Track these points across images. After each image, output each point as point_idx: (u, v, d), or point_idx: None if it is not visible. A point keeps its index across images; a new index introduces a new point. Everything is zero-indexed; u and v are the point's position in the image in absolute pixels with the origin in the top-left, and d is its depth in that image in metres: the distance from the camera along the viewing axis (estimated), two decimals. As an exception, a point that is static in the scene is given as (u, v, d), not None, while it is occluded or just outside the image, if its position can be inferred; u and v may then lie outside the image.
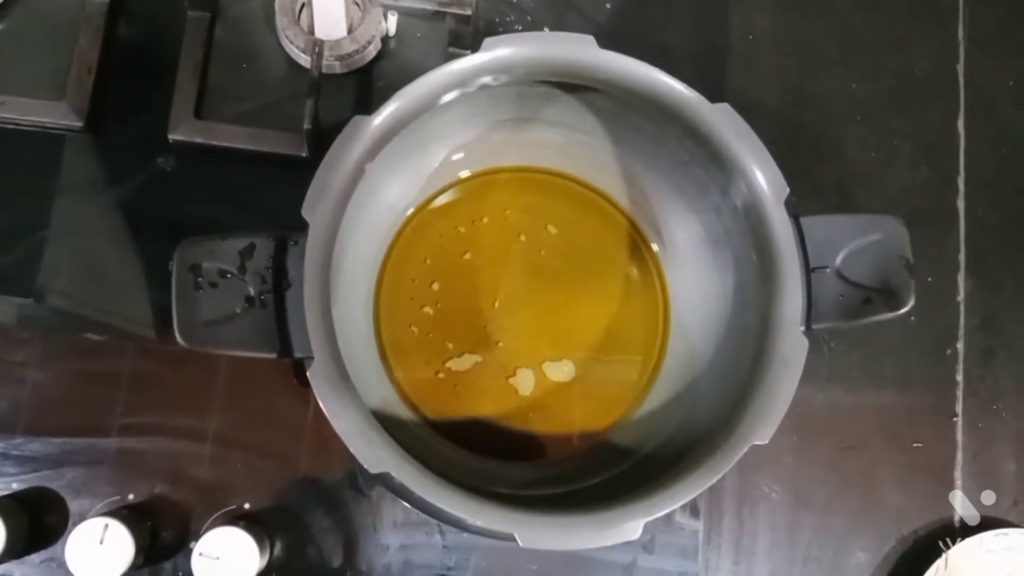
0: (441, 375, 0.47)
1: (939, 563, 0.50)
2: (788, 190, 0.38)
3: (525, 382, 0.48)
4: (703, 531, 0.51)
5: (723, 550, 0.51)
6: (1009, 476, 0.53)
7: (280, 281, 0.35)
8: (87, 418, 0.47)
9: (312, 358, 0.34)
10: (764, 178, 0.38)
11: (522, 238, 0.49)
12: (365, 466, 0.34)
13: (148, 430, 0.48)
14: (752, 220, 0.39)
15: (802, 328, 0.37)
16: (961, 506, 0.53)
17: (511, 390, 0.47)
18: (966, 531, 0.52)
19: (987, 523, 0.52)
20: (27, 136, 0.50)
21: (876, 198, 0.57)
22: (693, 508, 0.51)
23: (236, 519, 0.45)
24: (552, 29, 0.56)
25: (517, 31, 0.55)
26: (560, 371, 0.48)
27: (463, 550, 0.48)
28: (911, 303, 0.39)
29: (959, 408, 0.54)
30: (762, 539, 0.52)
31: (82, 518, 0.45)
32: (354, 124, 0.36)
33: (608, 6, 0.56)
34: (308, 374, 0.34)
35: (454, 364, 0.47)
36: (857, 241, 0.39)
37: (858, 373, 0.54)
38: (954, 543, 0.51)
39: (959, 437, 0.54)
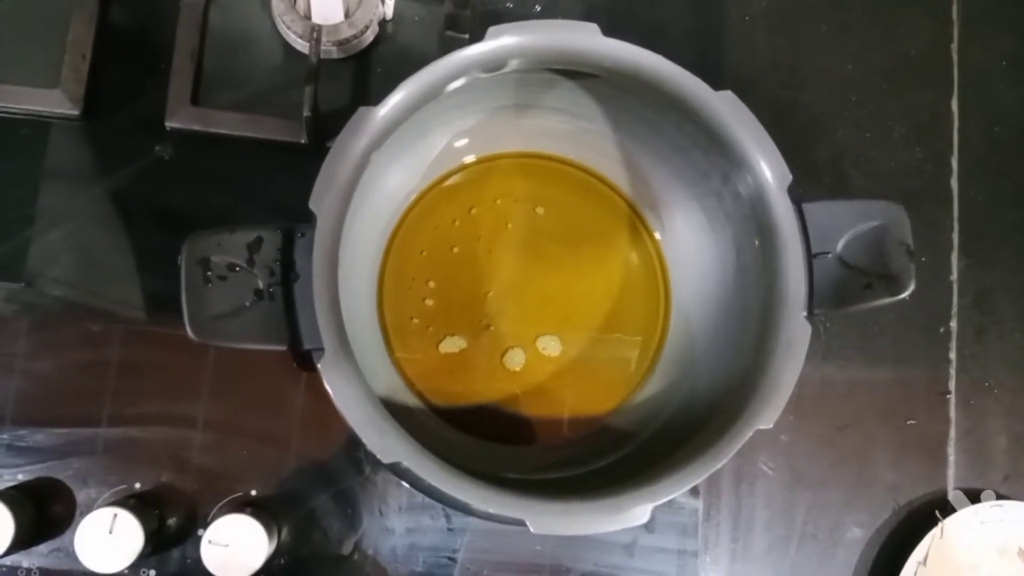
0: (442, 362, 0.47)
1: (935, 532, 0.52)
2: (791, 177, 0.39)
3: (521, 361, 0.48)
4: (702, 510, 0.52)
5: (722, 528, 0.52)
6: (1001, 452, 0.55)
7: (288, 273, 0.35)
8: (91, 408, 0.48)
9: (322, 350, 0.34)
10: (767, 166, 0.39)
11: (509, 226, 0.49)
12: (377, 456, 0.34)
13: (152, 419, 0.48)
14: (755, 207, 0.40)
15: (805, 313, 0.38)
16: (955, 481, 0.54)
17: (511, 374, 0.48)
18: (958, 506, 0.53)
19: (978, 497, 0.53)
20: (21, 124, 0.49)
21: (870, 179, 0.57)
22: (692, 488, 0.52)
23: (243, 506, 0.46)
24: (544, 7, 0.55)
25: (508, 8, 0.55)
26: (549, 345, 0.48)
27: (468, 533, 0.49)
28: (911, 288, 0.39)
29: (952, 385, 0.55)
30: (760, 516, 0.53)
31: (89, 508, 0.45)
32: (359, 115, 0.36)
33: (601, -16, 0.56)
34: (319, 366, 0.34)
35: (453, 347, 0.47)
36: (858, 227, 0.39)
37: (853, 352, 0.55)
38: (948, 515, 0.52)
39: (952, 414, 0.55)
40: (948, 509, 0.53)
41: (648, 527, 0.51)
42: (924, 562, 0.51)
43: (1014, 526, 0.53)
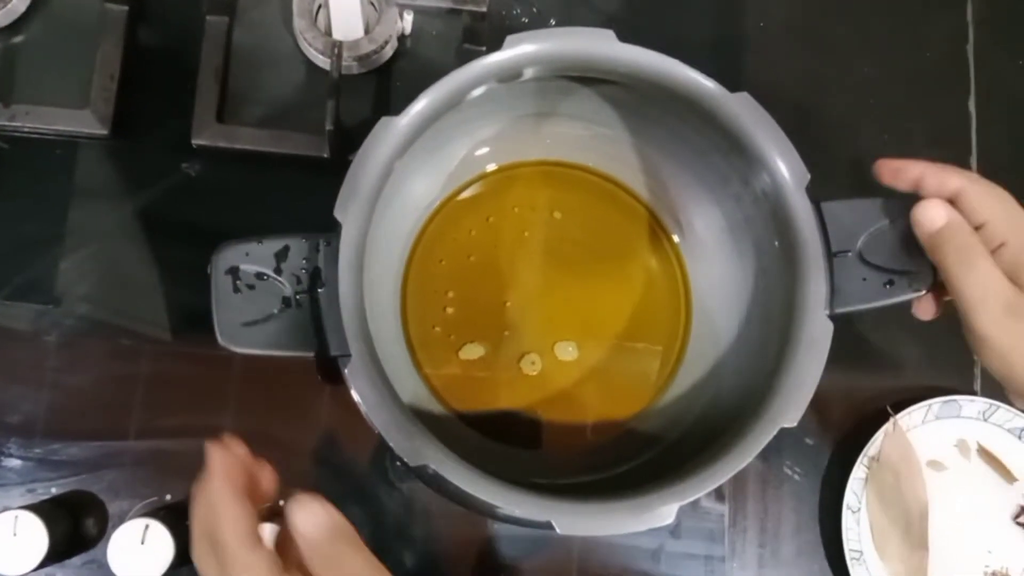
0: (464, 368, 0.48)
1: (887, 427, 0.51)
2: (809, 176, 0.39)
3: (538, 366, 0.48)
4: (728, 515, 0.52)
5: (748, 533, 0.52)
6: None
7: (315, 281, 0.36)
8: (121, 421, 0.48)
9: (348, 356, 0.35)
10: (785, 165, 0.39)
11: (526, 234, 0.49)
12: (405, 459, 0.34)
13: (181, 431, 0.48)
14: (774, 207, 0.40)
15: (826, 312, 0.38)
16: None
17: (531, 379, 0.48)
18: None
19: None
20: (52, 144, 0.50)
21: (890, 180, 0.57)
22: (718, 492, 0.52)
23: (272, 515, 0.46)
24: (560, 22, 0.56)
25: (524, 23, 0.56)
26: (566, 351, 0.48)
27: (496, 540, 0.49)
28: (932, 283, 0.39)
29: (978, 386, 0.55)
30: (787, 521, 0.52)
31: (121, 520, 0.45)
32: (382, 125, 0.37)
33: (617, -4, 0.57)
34: (346, 372, 0.35)
35: (472, 354, 0.48)
36: (877, 224, 0.39)
37: (878, 354, 0.55)
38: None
39: (979, 415, 0.54)
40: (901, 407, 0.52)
41: (674, 532, 0.51)
42: (878, 458, 0.51)
43: (970, 422, 0.53)
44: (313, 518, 0.31)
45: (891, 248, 0.39)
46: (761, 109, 0.39)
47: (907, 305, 0.41)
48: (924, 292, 0.39)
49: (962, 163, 0.58)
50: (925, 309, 0.40)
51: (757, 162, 0.39)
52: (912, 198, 0.39)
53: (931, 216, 0.37)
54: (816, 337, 0.38)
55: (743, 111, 0.39)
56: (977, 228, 0.37)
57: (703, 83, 0.39)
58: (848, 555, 0.50)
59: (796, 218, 0.39)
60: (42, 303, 0.49)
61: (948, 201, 0.38)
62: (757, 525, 0.52)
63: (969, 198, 0.37)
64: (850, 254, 0.39)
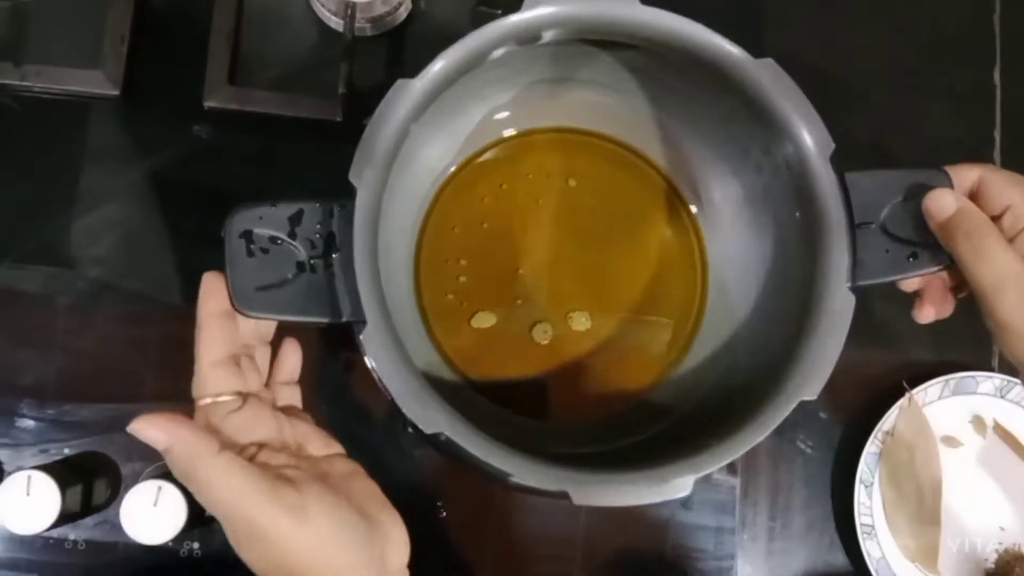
0: (476, 337, 0.47)
1: (902, 402, 0.51)
2: (833, 146, 0.38)
3: (549, 335, 0.48)
4: (740, 487, 0.52)
5: (759, 506, 0.52)
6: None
7: (329, 246, 0.35)
8: (133, 383, 0.48)
9: (363, 322, 0.34)
10: (809, 134, 0.38)
11: (539, 201, 0.49)
12: (420, 426, 0.34)
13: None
14: (796, 178, 0.39)
15: (848, 284, 0.37)
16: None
17: (544, 349, 0.48)
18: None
19: None
20: (63, 105, 0.50)
21: (911, 151, 0.56)
22: (730, 465, 0.51)
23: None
24: (578, -14, 0.55)
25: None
26: (579, 320, 0.48)
27: (504, 508, 0.49)
28: (955, 258, 0.38)
29: (995, 363, 0.54)
30: (798, 495, 0.52)
31: (134, 481, 0.45)
32: (398, 87, 0.36)
33: (634, -41, 0.55)
34: (360, 338, 0.34)
35: (484, 322, 0.47)
36: (902, 196, 0.38)
37: (893, 328, 0.54)
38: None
39: (995, 392, 0.54)
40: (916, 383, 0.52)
41: (685, 504, 0.51)
42: (892, 433, 0.51)
43: (986, 399, 0.52)
44: (155, 442, 0.32)
45: (915, 220, 0.38)
46: (786, 76, 0.38)
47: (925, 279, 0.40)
48: (948, 265, 0.38)
49: (985, 135, 0.57)
50: (926, 313, 0.40)
51: (780, 131, 0.39)
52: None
53: (941, 204, 0.37)
54: (838, 310, 0.37)
55: (767, 77, 0.38)
56: (1000, 215, 0.37)
57: (728, 48, 0.38)
58: (860, 529, 0.50)
59: (819, 189, 0.38)
60: (54, 265, 0.49)
61: (971, 195, 0.38)
62: (768, 498, 0.52)
63: (989, 185, 0.38)
64: (873, 226, 0.38)
